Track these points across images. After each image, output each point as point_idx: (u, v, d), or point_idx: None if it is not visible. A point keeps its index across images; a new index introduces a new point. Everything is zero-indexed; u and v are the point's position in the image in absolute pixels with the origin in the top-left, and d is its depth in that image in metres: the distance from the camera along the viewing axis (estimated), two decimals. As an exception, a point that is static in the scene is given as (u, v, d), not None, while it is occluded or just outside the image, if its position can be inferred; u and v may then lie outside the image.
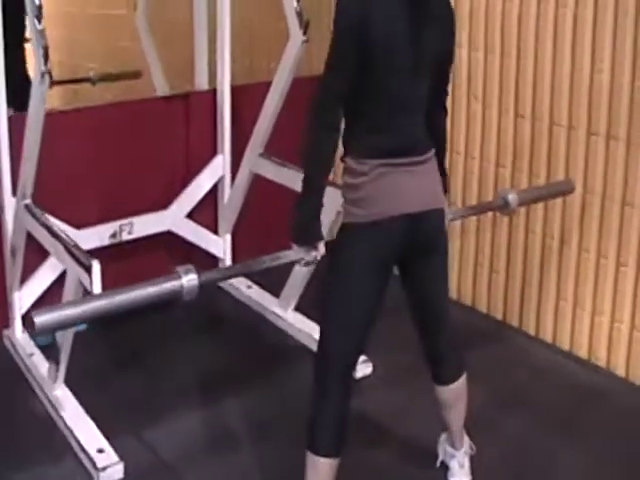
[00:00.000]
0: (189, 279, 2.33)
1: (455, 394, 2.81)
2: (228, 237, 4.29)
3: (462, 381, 2.80)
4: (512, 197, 3.10)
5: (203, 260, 4.10)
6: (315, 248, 2.47)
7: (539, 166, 3.76)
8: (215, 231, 4.29)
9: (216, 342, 3.87)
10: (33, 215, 3.24)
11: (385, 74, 2.37)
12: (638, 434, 3.24)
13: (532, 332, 3.94)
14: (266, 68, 4.63)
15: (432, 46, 2.42)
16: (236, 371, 3.62)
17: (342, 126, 2.45)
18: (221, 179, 4.19)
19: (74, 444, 3.08)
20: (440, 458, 3.00)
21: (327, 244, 2.50)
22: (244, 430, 3.24)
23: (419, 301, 2.67)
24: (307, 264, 2.53)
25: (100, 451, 2.99)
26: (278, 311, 4.01)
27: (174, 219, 4.07)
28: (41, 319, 2.15)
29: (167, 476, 2.97)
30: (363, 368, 3.59)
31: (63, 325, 2.25)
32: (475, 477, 2.90)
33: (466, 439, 2.93)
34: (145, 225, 3.94)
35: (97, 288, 2.75)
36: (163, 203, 4.05)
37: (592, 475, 3.01)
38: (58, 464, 3.03)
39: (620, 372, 3.63)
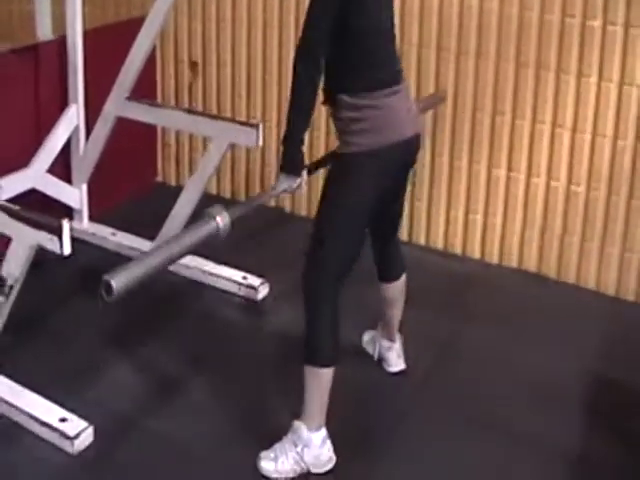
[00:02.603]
0: (223, 218, 2.44)
1: (400, 289, 3.19)
2: (84, 187, 4.21)
3: (404, 277, 3.16)
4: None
5: (58, 212, 3.95)
6: (300, 176, 2.69)
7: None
8: (69, 181, 4.19)
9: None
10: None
11: (375, 9, 2.59)
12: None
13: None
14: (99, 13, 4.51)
15: None
16: (138, 319, 3.62)
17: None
18: (75, 129, 4.09)
19: (28, 422, 2.95)
20: (374, 353, 3.35)
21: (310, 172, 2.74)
22: (178, 368, 3.33)
23: (386, 209, 2.94)
24: (293, 190, 2.73)
25: (63, 420, 2.92)
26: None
27: (36, 176, 3.94)
28: (117, 281, 2.14)
29: (133, 428, 2.99)
30: (261, 289, 3.80)
31: (134, 285, 2.24)
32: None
33: None
34: (11, 186, 3.77)
35: (67, 249, 2.71)
36: (22, 161, 3.90)
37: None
38: (23, 448, 2.90)
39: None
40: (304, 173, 2.70)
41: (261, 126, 3.56)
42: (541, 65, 3.81)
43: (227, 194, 4.75)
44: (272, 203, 4.60)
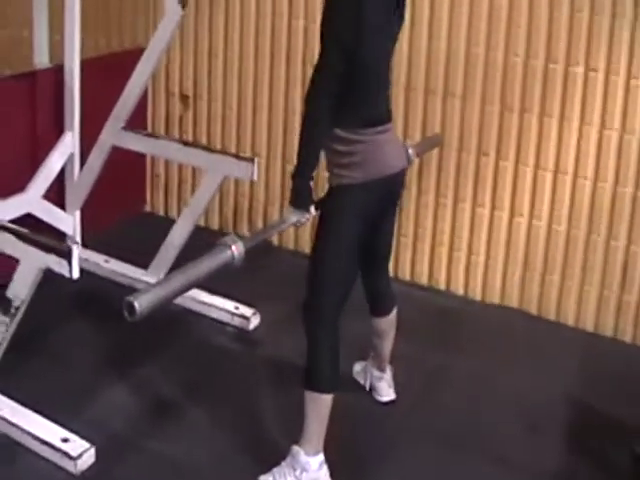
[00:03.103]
0: (238, 247, 2.54)
1: (390, 323, 3.29)
2: (77, 214, 4.27)
3: (395, 311, 3.27)
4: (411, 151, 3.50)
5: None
6: (309, 211, 2.77)
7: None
8: (62, 207, 4.26)
9: (98, 319, 3.89)
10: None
11: (375, 53, 2.73)
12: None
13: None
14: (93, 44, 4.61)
15: (396, 28, 2.84)
16: (132, 343, 3.68)
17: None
18: (70, 156, 4.16)
19: (29, 441, 3.00)
20: (366, 383, 3.45)
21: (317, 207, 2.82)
22: (175, 392, 3.40)
23: (375, 243, 3.05)
24: (301, 224, 2.83)
25: (65, 440, 2.96)
26: (149, 280, 4.11)
27: (32, 201, 3.99)
28: (140, 302, 2.22)
29: (132, 448, 3.05)
30: (253, 319, 3.89)
31: (156, 307, 2.32)
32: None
33: None
34: (8, 210, 3.83)
35: (76, 272, 2.78)
36: (17, 186, 3.96)
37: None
38: (24, 467, 2.95)
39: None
40: (312, 208, 2.78)
41: (256, 160, 3.66)
42: (525, 109, 3.96)
43: (215, 226, 4.83)
44: (259, 235, 4.70)
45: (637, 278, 3.94)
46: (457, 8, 3.99)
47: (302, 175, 2.70)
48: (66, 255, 2.76)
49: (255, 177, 3.65)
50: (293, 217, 2.78)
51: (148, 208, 5.02)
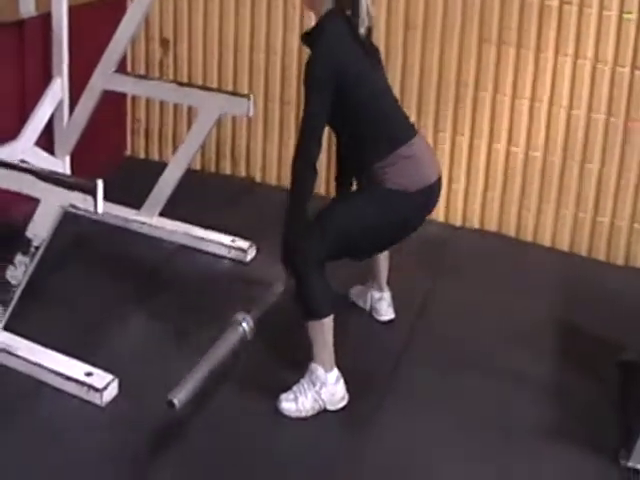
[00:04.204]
0: (247, 323, 3.00)
1: None
2: (67, 159, 4.35)
3: None
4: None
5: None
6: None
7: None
8: (51, 153, 4.33)
9: (99, 261, 3.97)
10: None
11: (368, 74, 2.98)
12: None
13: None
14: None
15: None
16: (135, 283, 3.79)
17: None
18: (59, 102, 4.22)
19: (53, 379, 3.06)
20: (366, 305, 3.65)
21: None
22: (184, 324, 3.50)
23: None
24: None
25: (89, 374, 3.04)
26: (142, 219, 4.22)
27: (25, 148, 4.06)
28: (178, 399, 2.71)
29: (154, 377, 3.13)
30: (250, 251, 4.04)
31: (191, 396, 2.78)
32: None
33: None
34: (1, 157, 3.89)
35: (101, 207, 2.89)
36: (8, 134, 4.02)
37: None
38: (51, 404, 3.00)
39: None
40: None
41: (252, 96, 3.77)
42: (502, 41, 4.15)
43: (197, 166, 4.94)
44: (243, 173, 4.84)
45: (610, 200, 4.18)
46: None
47: (291, 231, 2.95)
48: (92, 191, 2.87)
49: (252, 113, 3.75)
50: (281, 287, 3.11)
51: (129, 152, 5.10)
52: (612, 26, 3.93)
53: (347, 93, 2.91)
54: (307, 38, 3.06)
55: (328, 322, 2.99)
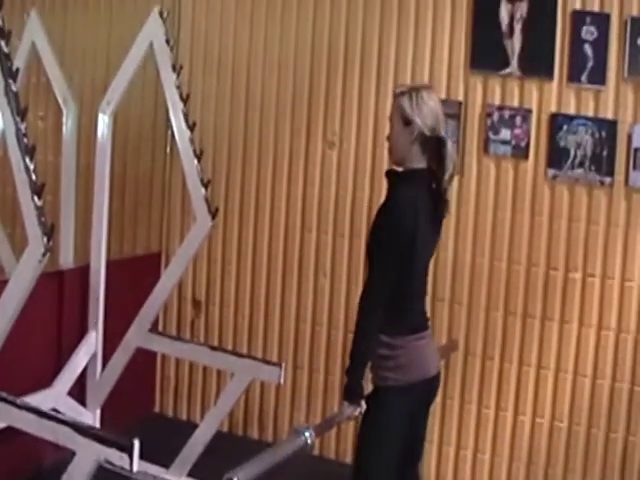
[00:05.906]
0: (310, 435, 2.90)
1: None
2: (98, 412, 4.40)
3: None
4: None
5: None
6: (360, 405, 3.06)
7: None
8: (82, 404, 4.39)
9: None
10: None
11: (416, 268, 3.11)
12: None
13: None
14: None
15: (434, 243, 3.24)
16: None
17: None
18: (93, 355, 4.33)
19: None
20: None
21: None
22: None
23: (412, 438, 3.27)
24: (354, 418, 3.12)
25: None
26: (171, 478, 4.19)
27: (57, 397, 4.13)
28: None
29: None
30: None
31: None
32: None
33: None
34: (36, 404, 3.93)
35: (136, 465, 2.90)
36: (43, 381, 4.11)
37: None
38: None
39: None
40: (363, 402, 3.07)
41: (283, 365, 3.89)
42: (527, 314, 4.30)
43: (224, 428, 4.95)
44: (270, 438, 4.87)
45: (636, 468, 4.15)
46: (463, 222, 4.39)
47: (354, 373, 3.02)
48: (128, 449, 2.89)
49: (282, 380, 3.85)
50: (347, 410, 3.06)
51: (157, 409, 5.13)
52: (634, 297, 4.08)
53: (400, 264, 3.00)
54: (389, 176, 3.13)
55: None
